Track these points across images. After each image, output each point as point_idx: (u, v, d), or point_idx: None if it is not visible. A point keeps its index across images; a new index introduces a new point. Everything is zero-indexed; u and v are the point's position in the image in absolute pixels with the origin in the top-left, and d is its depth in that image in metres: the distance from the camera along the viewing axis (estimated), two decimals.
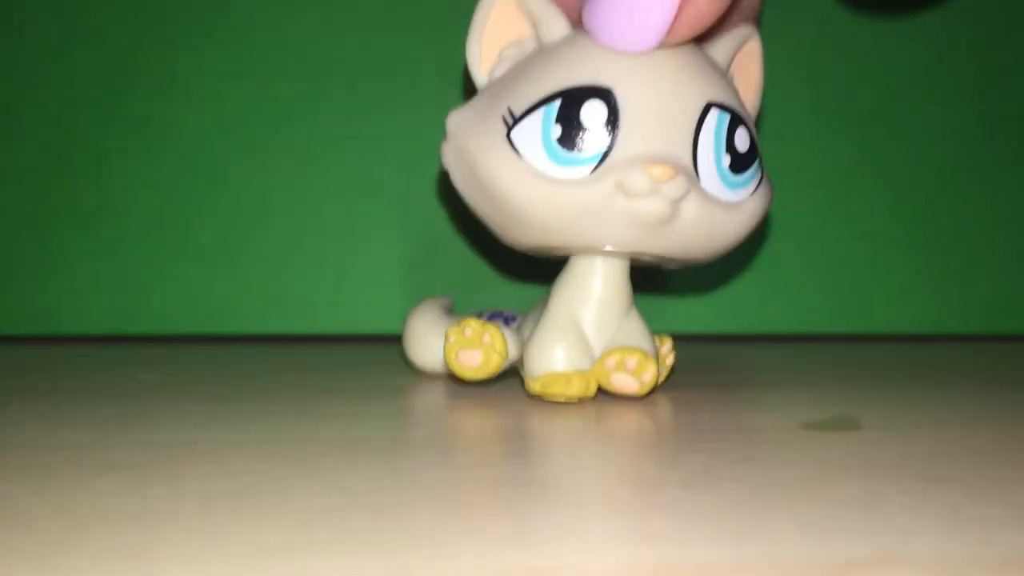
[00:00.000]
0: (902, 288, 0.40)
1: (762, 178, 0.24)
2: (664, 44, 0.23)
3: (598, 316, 0.24)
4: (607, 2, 0.22)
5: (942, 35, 0.40)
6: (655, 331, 0.26)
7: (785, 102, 0.38)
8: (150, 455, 0.18)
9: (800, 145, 0.39)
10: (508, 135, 0.23)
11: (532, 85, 0.23)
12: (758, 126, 0.26)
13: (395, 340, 0.32)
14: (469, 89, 0.26)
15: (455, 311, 0.31)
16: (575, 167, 0.22)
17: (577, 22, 0.24)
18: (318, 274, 0.37)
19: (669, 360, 0.26)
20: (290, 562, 0.12)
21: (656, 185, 0.22)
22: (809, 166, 0.39)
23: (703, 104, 0.23)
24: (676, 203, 0.22)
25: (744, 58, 0.26)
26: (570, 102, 0.22)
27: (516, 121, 0.23)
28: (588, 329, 0.24)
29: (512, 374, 0.26)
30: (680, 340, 0.27)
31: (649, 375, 0.23)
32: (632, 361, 0.23)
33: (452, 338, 0.24)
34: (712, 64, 0.24)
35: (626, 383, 0.24)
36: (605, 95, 0.22)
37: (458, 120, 0.24)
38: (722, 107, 0.23)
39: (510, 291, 0.38)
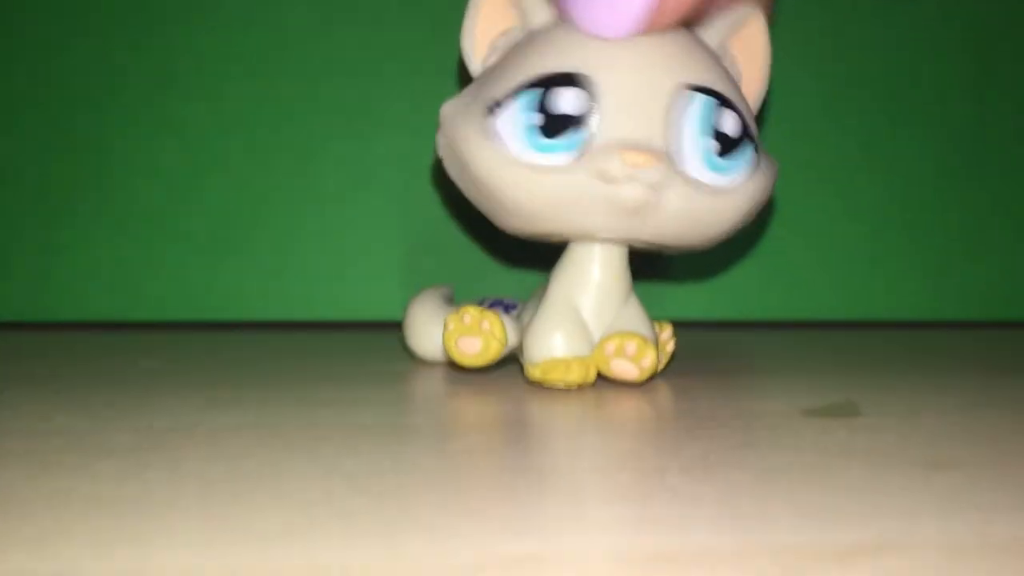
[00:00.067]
0: (903, 275, 0.40)
1: (758, 161, 0.24)
2: (647, 30, 0.23)
3: (597, 302, 0.24)
4: None
5: (946, 26, 0.40)
6: (655, 317, 0.26)
7: (789, 91, 0.38)
8: (149, 441, 0.18)
9: (802, 133, 0.39)
10: (490, 124, 0.23)
11: (513, 74, 0.23)
12: (763, 109, 0.26)
13: (395, 327, 0.32)
14: (465, 80, 0.26)
15: (456, 300, 0.31)
16: (554, 154, 0.22)
17: (560, 9, 0.24)
18: (318, 261, 0.37)
19: (669, 347, 0.26)
20: (290, 547, 0.12)
21: (633, 171, 0.22)
22: (811, 153, 0.39)
23: (684, 88, 0.23)
24: (655, 189, 0.22)
25: (746, 40, 0.26)
26: (548, 90, 0.23)
27: (498, 109, 0.23)
28: (587, 315, 0.24)
29: (512, 361, 0.26)
30: (680, 327, 0.27)
31: (648, 361, 0.23)
32: (631, 347, 0.23)
33: (451, 325, 0.24)
34: (701, 47, 0.24)
35: (625, 369, 0.24)
36: (583, 82, 0.22)
37: (449, 110, 0.24)
38: (705, 91, 0.23)
39: (511, 279, 0.37)
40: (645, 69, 0.23)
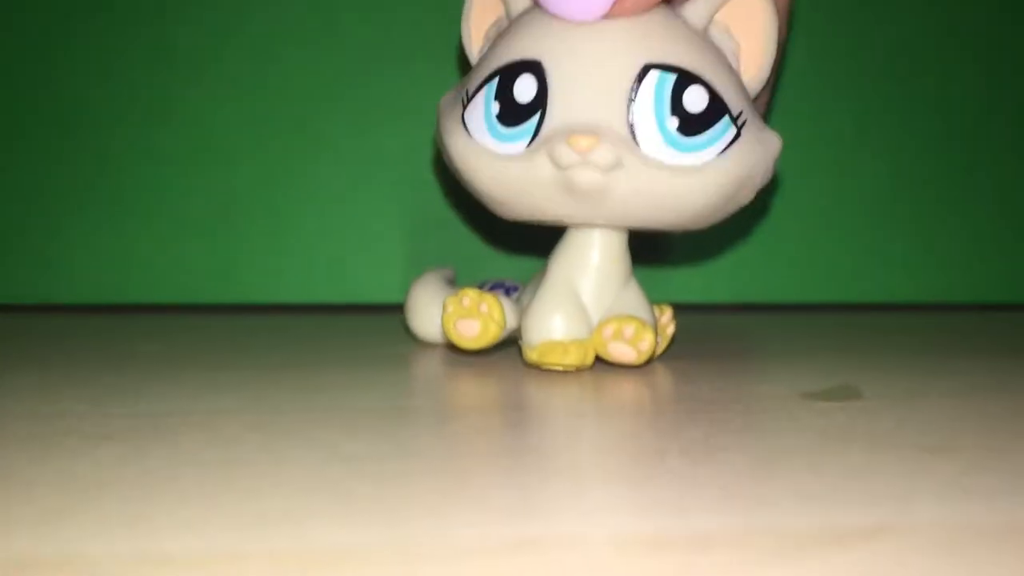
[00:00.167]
0: (902, 257, 0.40)
1: (737, 137, 0.23)
2: (617, 15, 0.22)
3: (596, 285, 0.24)
4: None
5: (944, 5, 0.39)
6: (655, 301, 0.26)
7: (786, 72, 0.38)
8: (149, 424, 0.18)
9: (801, 114, 0.39)
10: (462, 115, 0.24)
11: (485, 65, 0.24)
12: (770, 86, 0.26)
13: (395, 309, 0.32)
14: (463, 63, 0.26)
15: (458, 282, 0.31)
16: (513, 143, 0.23)
17: None
18: (319, 244, 0.37)
19: (669, 330, 0.26)
20: (289, 531, 0.12)
21: (583, 155, 0.22)
22: (810, 135, 0.39)
23: (640, 66, 0.22)
24: (607, 171, 0.22)
25: (744, 13, 0.24)
26: (505, 79, 0.23)
27: (468, 101, 0.24)
28: (586, 298, 0.24)
29: (512, 343, 0.26)
30: (680, 310, 0.27)
31: (647, 344, 0.23)
32: (629, 330, 0.23)
33: (450, 308, 0.24)
34: (671, 23, 0.23)
35: (623, 352, 0.24)
36: (535, 68, 0.22)
37: (441, 103, 0.25)
38: (666, 67, 0.22)
39: (512, 262, 0.37)
40: (602, 51, 0.22)
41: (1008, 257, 0.40)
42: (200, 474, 0.15)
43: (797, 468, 0.16)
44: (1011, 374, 0.25)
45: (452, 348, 0.27)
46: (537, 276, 0.26)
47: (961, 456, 0.16)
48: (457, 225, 0.37)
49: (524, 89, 0.23)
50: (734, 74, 0.24)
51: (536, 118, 0.22)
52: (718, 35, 0.24)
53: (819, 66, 0.39)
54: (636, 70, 0.22)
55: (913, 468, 0.16)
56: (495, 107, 0.23)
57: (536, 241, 0.36)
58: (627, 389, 0.22)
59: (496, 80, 0.23)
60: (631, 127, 0.22)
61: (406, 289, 0.30)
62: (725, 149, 0.23)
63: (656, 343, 0.24)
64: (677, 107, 0.22)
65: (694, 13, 0.24)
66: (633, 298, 0.24)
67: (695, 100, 0.22)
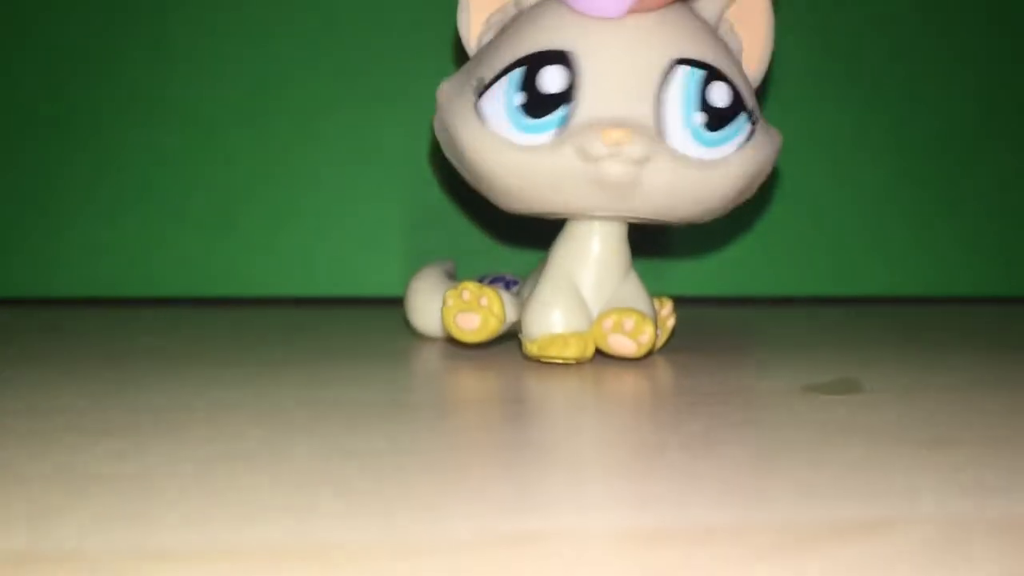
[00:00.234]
0: (904, 251, 0.40)
1: (753, 132, 0.24)
2: (638, 10, 0.22)
3: (596, 278, 0.24)
4: None
5: (943, 3, 0.39)
6: (655, 293, 0.26)
7: (789, 65, 0.38)
8: (149, 419, 0.18)
9: (802, 110, 0.38)
10: (478, 104, 0.23)
11: (499, 53, 0.23)
12: (767, 83, 0.26)
13: (395, 303, 0.32)
14: (463, 57, 0.26)
15: (457, 276, 0.31)
16: (537, 134, 0.22)
17: None
18: (318, 238, 0.37)
19: (670, 323, 0.26)
20: (289, 525, 0.12)
21: (614, 148, 0.22)
22: (812, 129, 0.39)
23: (669, 61, 0.22)
24: (638, 165, 0.22)
25: (746, 10, 0.25)
26: (531, 69, 0.22)
27: (484, 90, 0.23)
28: (586, 291, 0.24)
29: (512, 336, 0.26)
30: (680, 303, 0.27)
31: (647, 336, 0.23)
32: (629, 322, 0.23)
33: (450, 302, 0.24)
34: (692, 19, 0.24)
35: (623, 344, 0.24)
36: (564, 60, 0.22)
37: (443, 90, 0.24)
38: (693, 63, 0.23)
39: (513, 255, 0.37)
40: (631, 46, 0.22)
41: (1010, 251, 0.40)
42: (200, 469, 0.15)
43: (797, 462, 0.15)
44: (1011, 368, 0.25)
45: (452, 341, 0.27)
46: (537, 269, 0.26)
47: (961, 450, 0.16)
48: (457, 219, 0.37)
49: (552, 79, 0.22)
50: (742, 69, 0.24)
51: (564, 109, 0.22)
52: (725, 32, 0.24)
53: (819, 62, 0.39)
54: (666, 65, 0.22)
55: (913, 462, 0.16)
56: (518, 97, 0.22)
57: (536, 234, 0.36)
58: (627, 382, 0.22)
59: (520, 70, 0.23)
60: (660, 121, 0.22)
61: (406, 283, 0.29)
62: (743, 144, 0.23)
63: (656, 336, 0.24)
64: (703, 102, 0.23)
65: (707, 10, 0.24)
66: (633, 290, 0.24)
67: (720, 96, 0.23)
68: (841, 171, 0.39)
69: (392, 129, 0.36)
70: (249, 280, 0.36)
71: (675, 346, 0.27)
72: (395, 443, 0.17)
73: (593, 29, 0.22)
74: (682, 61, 0.22)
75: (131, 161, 0.36)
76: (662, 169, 0.22)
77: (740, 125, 0.23)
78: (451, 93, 0.24)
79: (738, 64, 0.24)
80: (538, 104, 0.22)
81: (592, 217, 0.24)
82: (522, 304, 0.25)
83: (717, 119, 0.23)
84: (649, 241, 0.37)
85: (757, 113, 0.24)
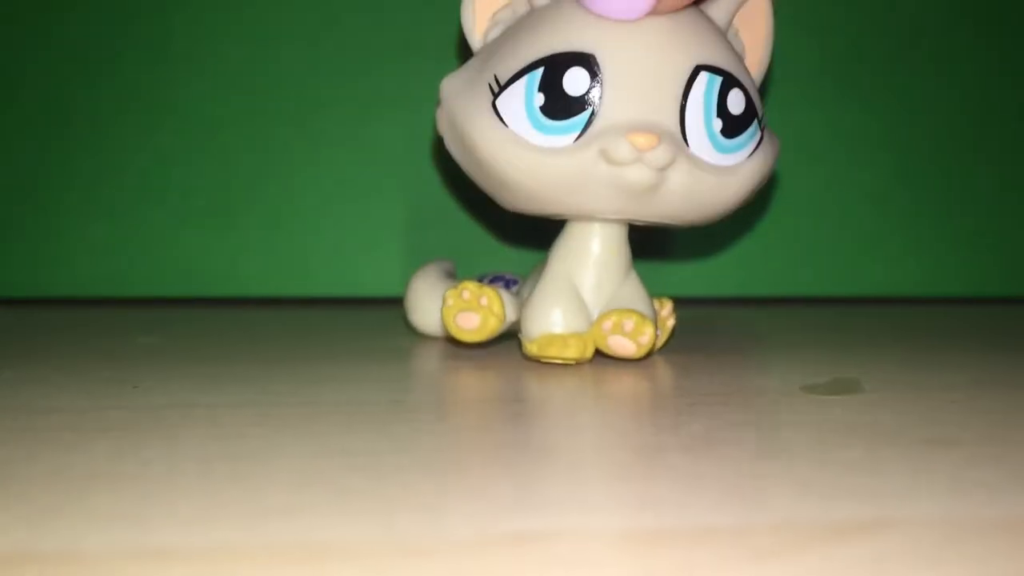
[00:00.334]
0: (903, 251, 0.40)
1: (761, 139, 0.24)
2: (656, 12, 0.22)
3: (596, 278, 0.24)
4: None
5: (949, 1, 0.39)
6: (655, 294, 0.26)
7: (790, 64, 0.38)
8: (147, 418, 0.18)
9: (804, 108, 0.38)
10: (493, 103, 0.23)
11: (517, 52, 0.23)
12: (765, 84, 0.26)
13: (395, 302, 0.32)
14: (465, 51, 0.26)
15: (457, 275, 0.31)
16: (558, 136, 0.22)
17: None
18: (318, 237, 0.37)
19: (670, 323, 0.26)
20: (288, 525, 0.12)
21: (640, 153, 0.22)
22: (813, 129, 0.39)
23: (691, 67, 0.22)
24: (661, 171, 0.22)
25: (749, 13, 0.25)
26: (553, 70, 0.22)
27: (501, 89, 0.23)
28: (586, 292, 0.24)
29: (512, 336, 0.26)
30: (681, 303, 0.27)
31: (647, 337, 0.23)
32: (629, 323, 0.23)
33: (450, 301, 0.24)
34: (708, 24, 0.24)
35: (623, 345, 0.23)
36: (588, 62, 0.22)
37: (449, 86, 0.24)
38: (713, 70, 0.23)
39: (512, 254, 0.37)
40: (653, 49, 0.22)
41: (1011, 251, 0.40)
42: (198, 468, 0.15)
43: (798, 462, 0.15)
44: (1012, 368, 0.25)
45: (452, 341, 0.27)
46: (537, 269, 0.26)
47: (962, 450, 0.16)
48: (457, 218, 0.37)
49: (575, 82, 0.22)
50: (748, 73, 0.24)
51: (587, 112, 0.22)
52: (732, 36, 0.25)
53: (820, 62, 0.39)
54: (688, 71, 0.22)
55: (914, 462, 0.16)
56: (539, 98, 0.22)
57: (536, 234, 0.36)
58: (627, 383, 0.22)
59: (541, 70, 0.22)
60: (682, 127, 0.22)
61: (405, 282, 0.29)
62: (754, 151, 0.23)
63: (656, 336, 0.24)
64: (722, 109, 0.23)
65: (718, 14, 0.24)
66: (633, 291, 0.24)
67: (736, 103, 0.23)
68: (840, 171, 0.39)
69: (392, 129, 0.36)
70: (248, 280, 0.36)
71: (675, 346, 0.27)
72: (394, 443, 0.16)
73: (613, 31, 0.22)
74: (704, 67, 0.22)
75: (131, 161, 0.36)
76: (682, 175, 0.22)
77: (753, 132, 0.23)
78: (458, 89, 0.24)
79: (747, 69, 0.24)
80: (559, 106, 0.22)
81: (594, 218, 0.24)
82: (522, 304, 0.25)
83: (733, 126, 0.23)
84: (649, 242, 0.37)
85: (764, 119, 0.24)
